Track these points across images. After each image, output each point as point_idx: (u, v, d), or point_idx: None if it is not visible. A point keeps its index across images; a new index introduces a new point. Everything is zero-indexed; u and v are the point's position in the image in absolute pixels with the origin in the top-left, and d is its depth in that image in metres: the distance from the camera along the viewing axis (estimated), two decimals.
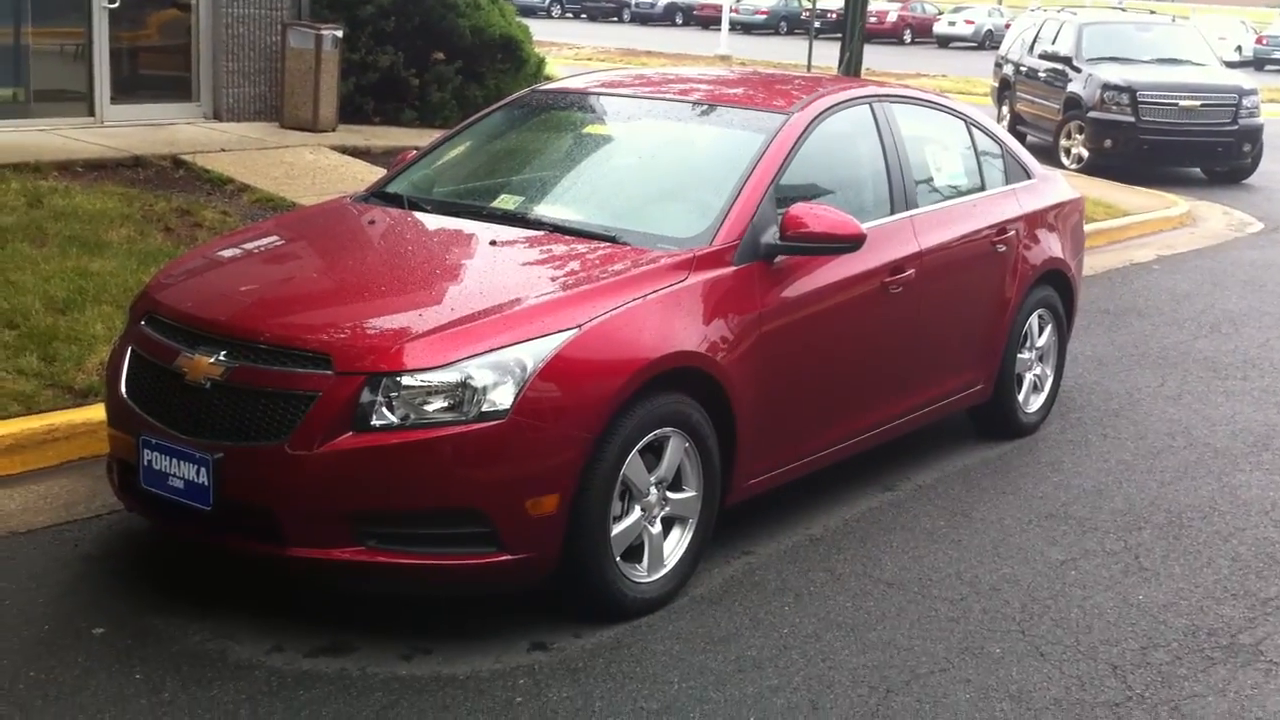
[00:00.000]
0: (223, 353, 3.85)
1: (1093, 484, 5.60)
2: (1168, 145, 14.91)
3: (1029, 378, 6.21)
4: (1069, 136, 15.47)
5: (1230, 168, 15.40)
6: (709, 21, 46.05)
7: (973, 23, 47.98)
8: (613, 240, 4.47)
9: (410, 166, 5.39)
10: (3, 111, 10.06)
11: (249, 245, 4.73)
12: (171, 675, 3.62)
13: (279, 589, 4.11)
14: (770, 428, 4.55)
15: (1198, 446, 6.16)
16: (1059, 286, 6.31)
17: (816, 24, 23.71)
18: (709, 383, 4.25)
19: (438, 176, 5.32)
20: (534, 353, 3.81)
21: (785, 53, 31.87)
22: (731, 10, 38.94)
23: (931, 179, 5.65)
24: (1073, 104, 15.37)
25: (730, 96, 5.45)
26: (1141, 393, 6.96)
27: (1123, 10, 22.42)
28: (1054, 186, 6.48)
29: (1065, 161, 15.15)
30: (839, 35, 14.03)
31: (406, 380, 3.71)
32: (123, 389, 4.12)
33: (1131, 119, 14.75)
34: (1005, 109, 17.63)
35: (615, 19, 51.71)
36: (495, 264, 4.40)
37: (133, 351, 4.16)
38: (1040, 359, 6.29)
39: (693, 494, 4.28)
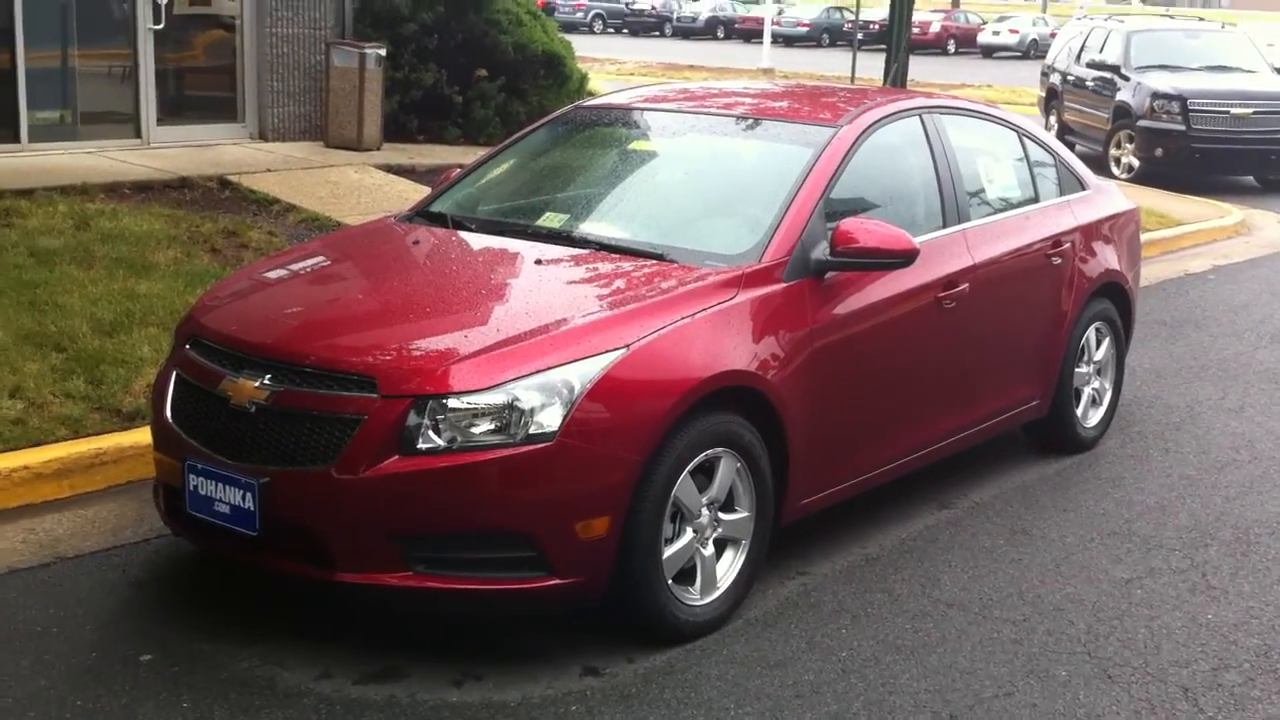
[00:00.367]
0: (267, 376, 3.81)
1: (1155, 500, 5.47)
2: (1219, 153, 14.72)
3: (1087, 392, 6.08)
4: (1119, 145, 15.29)
5: None
6: (751, 35, 45.97)
7: (1017, 32, 47.58)
8: (660, 258, 4.40)
9: (454, 185, 5.35)
10: (51, 134, 10.16)
11: (292, 267, 4.70)
12: (220, 703, 3.58)
13: (328, 612, 4.06)
14: (823, 446, 4.46)
15: (1263, 460, 6.01)
16: (1116, 299, 6.18)
17: (859, 36, 23.57)
18: (760, 401, 4.16)
19: (482, 195, 5.28)
20: (581, 373, 3.74)
21: (828, 65, 31.76)
22: (773, 23, 38.83)
23: (984, 191, 5.55)
24: (1122, 113, 15.19)
25: (776, 110, 5.37)
26: (1202, 406, 6.80)
27: (1171, 17, 22.09)
28: (1109, 197, 6.36)
29: (1115, 171, 14.96)
30: (882, 47, 13.95)
31: (453, 403, 3.65)
32: (168, 413, 4.09)
33: (1182, 127, 14.55)
34: (1053, 118, 17.45)
35: (657, 33, 51.74)
36: (541, 283, 4.34)
37: (177, 375, 4.14)
38: (1098, 373, 6.16)
39: (745, 515, 4.20)
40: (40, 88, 10.10)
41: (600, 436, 3.73)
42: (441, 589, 3.67)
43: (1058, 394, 5.81)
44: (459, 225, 4.91)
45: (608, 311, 4.00)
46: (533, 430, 3.65)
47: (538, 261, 4.45)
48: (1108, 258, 6.07)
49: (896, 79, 12.68)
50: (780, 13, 47.03)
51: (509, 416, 3.66)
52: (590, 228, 4.74)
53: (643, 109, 5.53)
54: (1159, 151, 14.71)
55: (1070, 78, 17.05)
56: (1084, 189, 6.18)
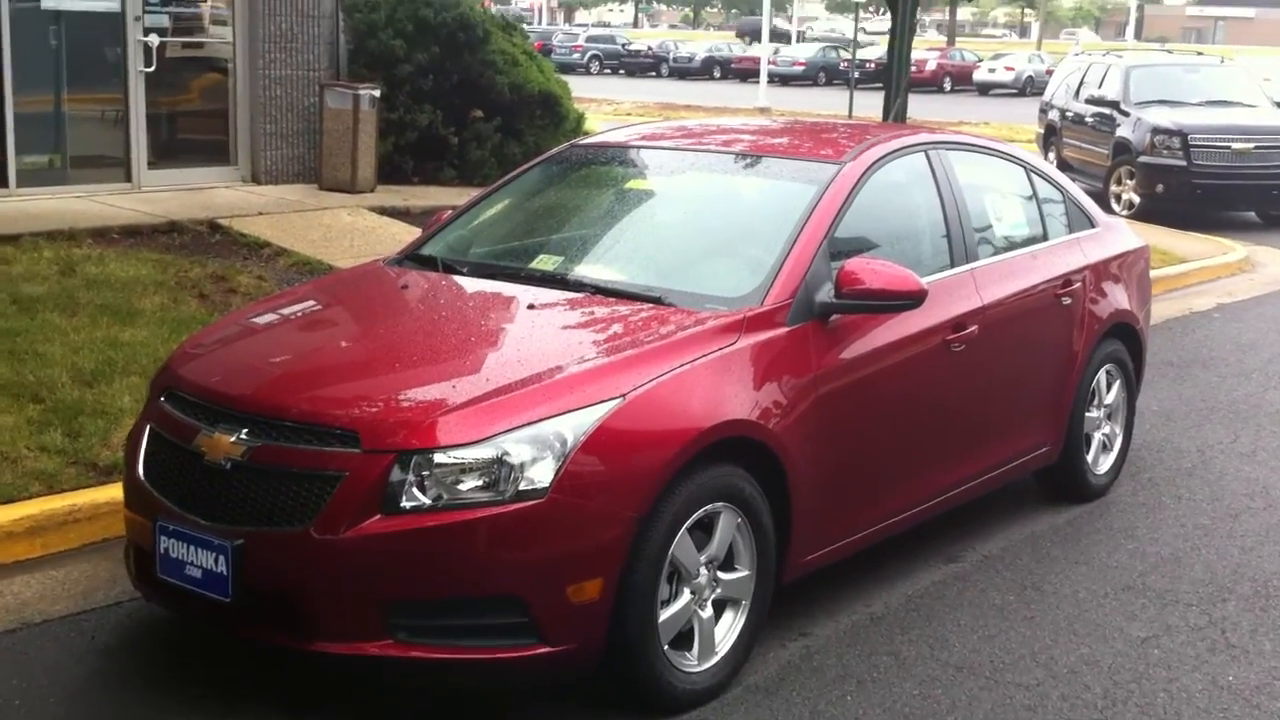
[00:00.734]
0: (244, 431, 3.62)
1: (1170, 551, 5.27)
2: (1221, 189, 14.62)
3: (1098, 437, 5.90)
4: (1119, 182, 15.19)
5: None
6: (747, 74, 46.17)
7: (1013, 69, 47.81)
8: (658, 301, 4.23)
9: (446, 227, 5.18)
10: (39, 179, 10.02)
11: (275, 315, 4.52)
12: None
13: (310, 679, 3.84)
14: (829, 499, 4.27)
15: (1278, 508, 5.81)
16: (1127, 340, 6.01)
17: (855, 74, 23.57)
18: (762, 453, 3.98)
19: (474, 237, 5.11)
20: (575, 425, 3.56)
21: (825, 103, 31.75)
22: (770, 62, 38.96)
23: (991, 229, 5.39)
24: (1122, 149, 15.11)
25: (777, 146, 5.23)
26: (1214, 450, 6.62)
27: (1169, 53, 22.08)
28: (1118, 235, 6.20)
29: (1116, 207, 14.86)
30: (877, 85, 13.89)
31: (439, 457, 3.46)
32: (140, 470, 3.90)
33: (1183, 163, 14.45)
34: (1052, 155, 17.37)
35: (653, 74, 51.97)
36: (533, 329, 4.17)
37: (151, 430, 3.95)
38: (1109, 417, 5.98)
39: (746, 573, 4.00)
40: (29, 132, 9.98)
41: (594, 492, 3.54)
42: (424, 659, 3.46)
43: (1068, 440, 5.63)
44: (450, 269, 4.75)
45: (603, 358, 3.82)
46: (523, 486, 3.47)
47: (530, 306, 4.28)
48: (1118, 297, 5.92)
49: (898, 116, 12.57)
50: (776, 52, 47.22)
51: (498, 472, 3.47)
52: (585, 270, 4.57)
53: (640, 147, 5.38)
54: (1160, 187, 14.61)
55: (1069, 114, 16.99)
56: (1093, 226, 6.03)
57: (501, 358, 3.94)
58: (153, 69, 10.42)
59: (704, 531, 3.85)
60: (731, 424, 3.87)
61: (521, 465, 3.48)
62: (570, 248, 4.79)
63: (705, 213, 4.96)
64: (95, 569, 4.60)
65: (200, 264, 8.24)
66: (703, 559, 3.86)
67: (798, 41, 58.71)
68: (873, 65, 38.74)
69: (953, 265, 4.99)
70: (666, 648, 3.75)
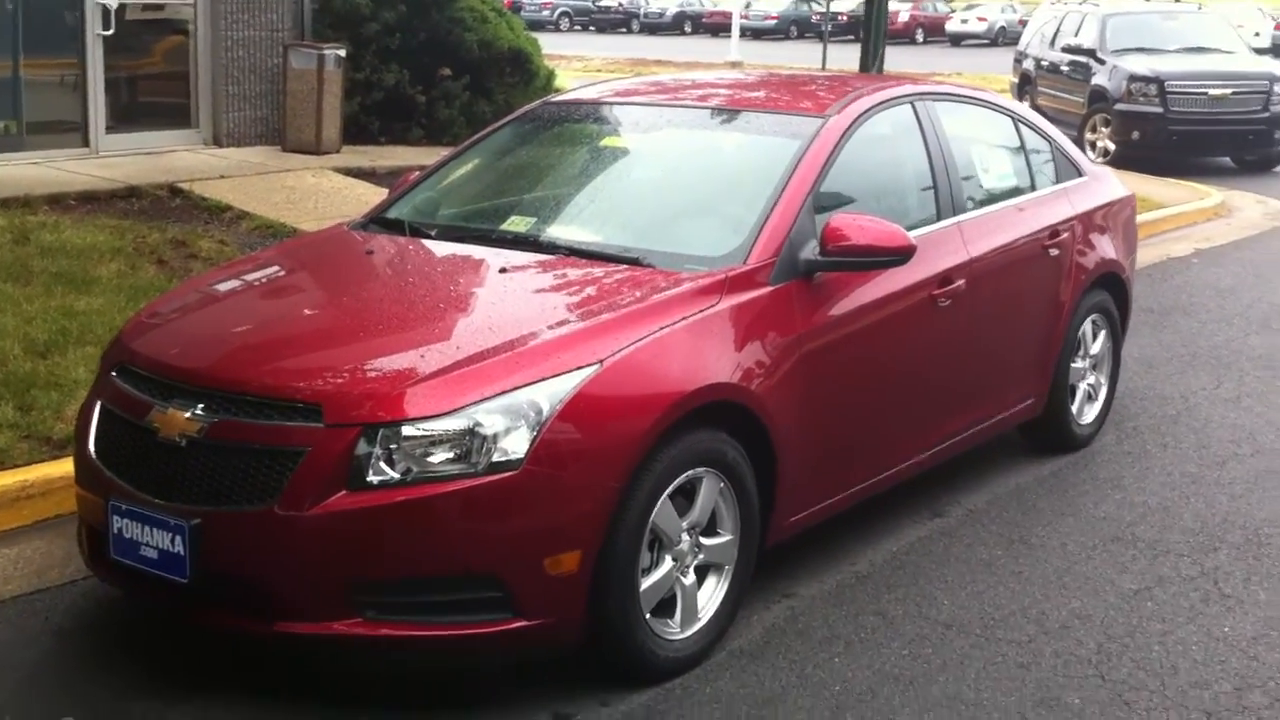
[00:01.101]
0: (200, 406, 3.45)
1: (1158, 500, 5.19)
2: (1198, 135, 14.58)
3: (1083, 387, 5.81)
4: (1094, 130, 15.12)
5: (1261, 156, 15.05)
6: (718, 29, 45.69)
7: (985, 20, 47.51)
8: (635, 262, 4.07)
9: (413, 189, 5.00)
10: None
11: (232, 283, 4.34)
12: None
13: (273, 661, 3.69)
14: (814, 459, 4.14)
15: (1265, 454, 5.74)
16: (1113, 289, 5.92)
17: (828, 27, 23.34)
18: (745, 416, 3.84)
19: (443, 199, 4.93)
20: (550, 393, 3.41)
21: (797, 56, 31.49)
22: (741, 16, 38.56)
23: (979, 181, 5.26)
24: (1098, 97, 15.03)
25: (757, 101, 5.05)
26: (1198, 396, 6.54)
27: (1146, 0, 22.01)
28: (1105, 184, 6.09)
29: (1091, 155, 14.77)
30: (850, 38, 13.73)
31: (407, 430, 3.31)
32: (91, 447, 3.73)
33: (1160, 110, 14.39)
34: (1026, 103, 17.26)
35: (624, 30, 51.42)
36: (506, 294, 4.00)
37: (102, 406, 3.77)
38: (1094, 367, 5.89)
39: (729, 538, 3.88)
40: None
41: (572, 462, 3.39)
42: (394, 636, 3.32)
43: (1054, 391, 5.54)
44: (417, 232, 4.57)
45: (579, 323, 3.67)
46: (496, 458, 3.32)
47: (502, 270, 4.11)
48: (1105, 247, 5.81)
49: (878, 67, 12.39)
50: (748, 6, 46.79)
51: (470, 444, 3.32)
52: (559, 231, 4.40)
53: (614, 103, 5.20)
54: (1136, 135, 14.55)
55: (1044, 63, 16.88)
56: (1080, 175, 5.91)
57: (472, 324, 3.78)
58: (111, 32, 10.13)
59: (685, 498, 3.72)
60: (714, 388, 3.73)
61: (495, 436, 3.33)
62: (543, 208, 4.62)
63: (684, 170, 4.80)
64: (49, 546, 4.42)
65: (160, 229, 8.01)
66: (684, 525, 3.73)
67: None
68: (845, 18, 38.46)
69: (940, 218, 4.86)
70: (649, 616, 3.63)
